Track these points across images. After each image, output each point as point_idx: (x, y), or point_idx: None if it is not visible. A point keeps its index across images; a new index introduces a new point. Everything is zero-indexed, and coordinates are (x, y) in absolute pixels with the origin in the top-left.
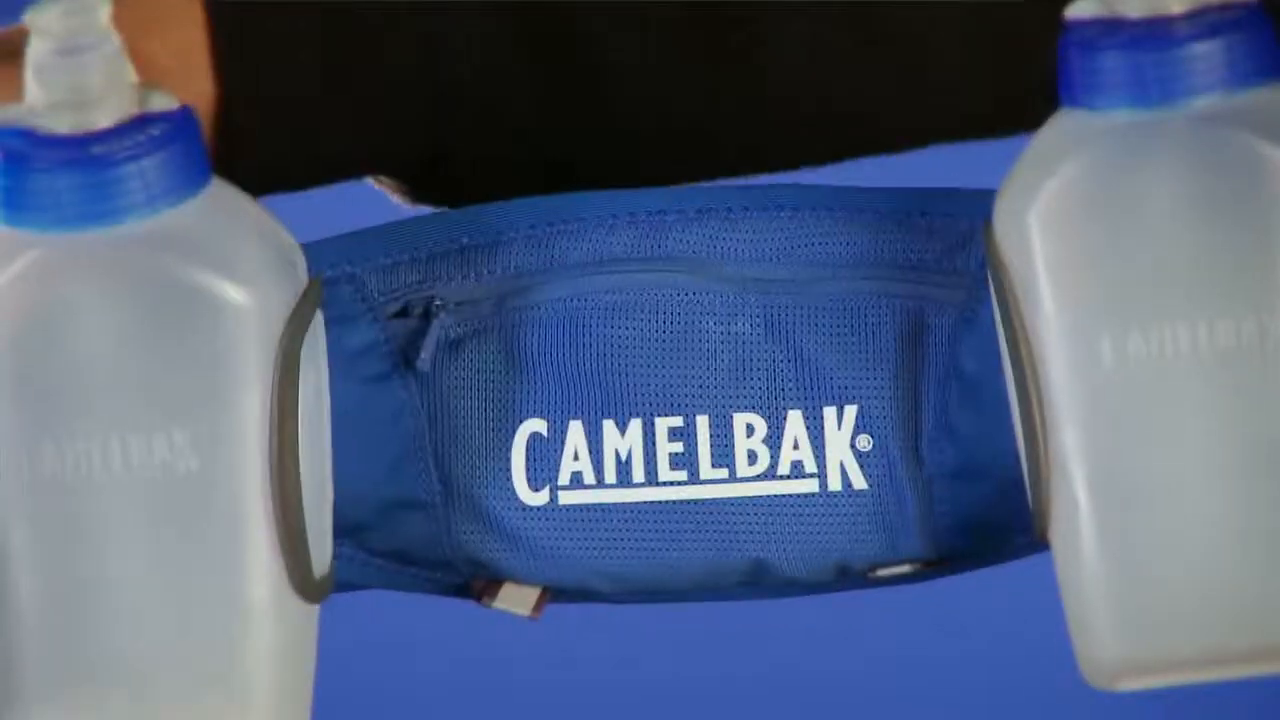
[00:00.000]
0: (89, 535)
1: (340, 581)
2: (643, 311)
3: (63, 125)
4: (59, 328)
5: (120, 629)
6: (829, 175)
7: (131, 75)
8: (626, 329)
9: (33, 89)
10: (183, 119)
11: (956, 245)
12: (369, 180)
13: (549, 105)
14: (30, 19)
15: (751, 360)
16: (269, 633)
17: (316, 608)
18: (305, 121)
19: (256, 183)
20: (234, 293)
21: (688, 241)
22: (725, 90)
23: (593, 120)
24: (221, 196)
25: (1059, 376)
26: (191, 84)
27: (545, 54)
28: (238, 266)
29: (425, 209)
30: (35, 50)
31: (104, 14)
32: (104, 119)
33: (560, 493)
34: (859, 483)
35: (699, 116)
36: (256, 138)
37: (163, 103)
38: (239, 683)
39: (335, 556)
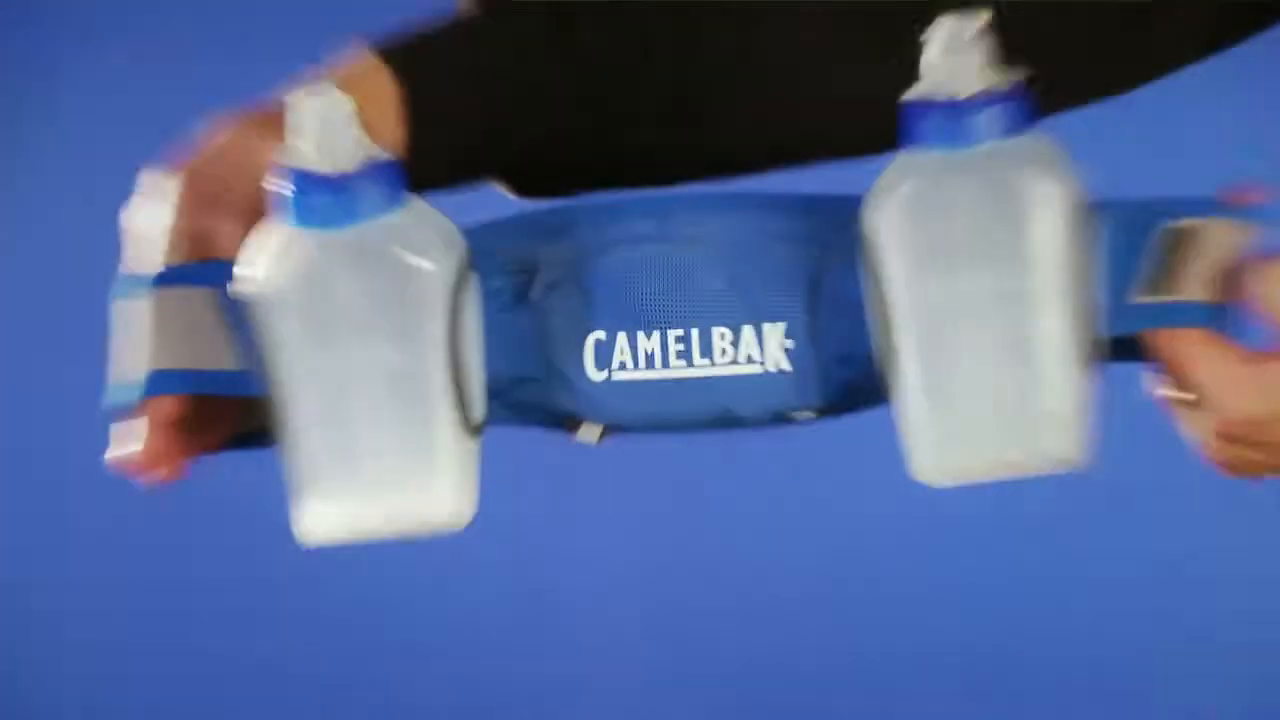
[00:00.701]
0: (343, 401)
1: (488, 422)
2: (659, 268)
3: (327, 169)
4: (327, 283)
5: (361, 451)
6: (785, 180)
7: (365, 141)
8: (651, 278)
9: (304, 148)
10: (392, 164)
11: (845, 225)
12: (491, 184)
13: (600, 141)
14: (291, 115)
15: (722, 298)
16: (451, 453)
17: (477, 440)
18: (459, 159)
19: (425, 188)
20: (424, 263)
21: (686, 226)
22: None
23: (617, 149)
24: (415, 206)
25: (899, 303)
26: (389, 135)
27: (597, 114)
28: (426, 248)
29: (527, 200)
30: (295, 127)
31: (354, 121)
32: (350, 165)
33: (614, 373)
34: (785, 366)
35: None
36: (429, 164)
37: (381, 154)
38: (436, 479)
39: (486, 409)
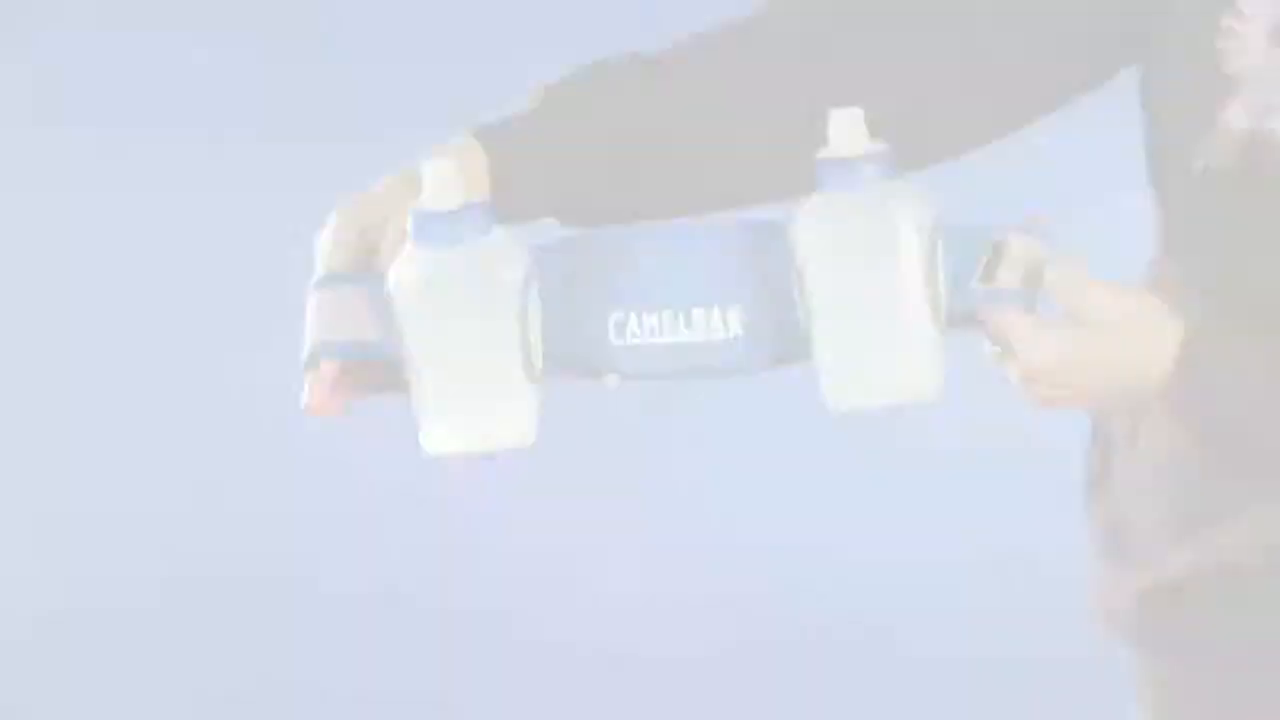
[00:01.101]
0: (450, 359)
1: (546, 373)
2: (658, 270)
3: (439, 208)
4: (439, 282)
5: (462, 392)
6: (743, 214)
7: (465, 191)
8: (652, 276)
9: (425, 195)
10: (482, 205)
11: (780, 240)
12: (545, 218)
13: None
14: (421, 174)
15: (699, 289)
16: (520, 395)
17: (538, 386)
18: (523, 203)
19: (504, 221)
20: (503, 269)
21: (675, 243)
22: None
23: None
24: (497, 232)
25: (814, 290)
26: (481, 187)
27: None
28: (504, 259)
29: (569, 228)
30: (473, 184)
31: (458, 177)
32: (455, 205)
33: (629, 340)
34: (741, 334)
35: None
36: (505, 206)
37: (475, 199)
38: (511, 412)
39: (544, 364)
